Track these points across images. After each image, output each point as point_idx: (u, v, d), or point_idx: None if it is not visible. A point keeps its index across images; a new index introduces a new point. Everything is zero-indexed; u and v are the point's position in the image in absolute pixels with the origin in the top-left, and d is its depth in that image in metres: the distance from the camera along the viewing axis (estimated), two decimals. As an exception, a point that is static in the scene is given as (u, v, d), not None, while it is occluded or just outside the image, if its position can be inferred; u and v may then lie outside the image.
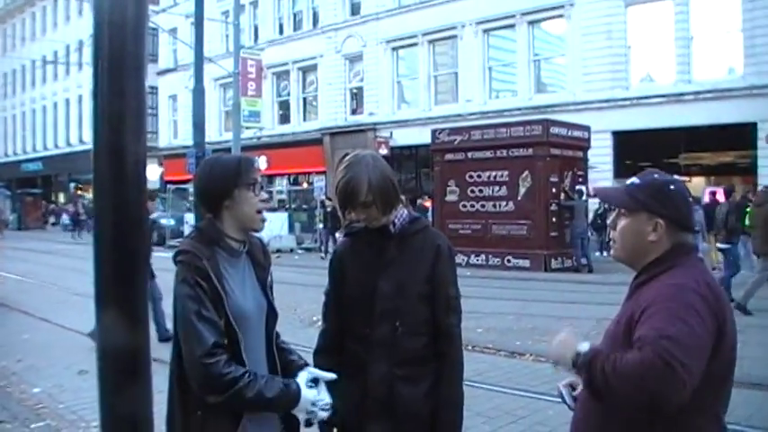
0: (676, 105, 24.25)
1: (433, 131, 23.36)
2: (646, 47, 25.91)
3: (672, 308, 2.14)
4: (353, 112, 35.89)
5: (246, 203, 2.68)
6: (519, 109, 28.00)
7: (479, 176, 21.24)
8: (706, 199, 20.13)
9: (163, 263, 5.89)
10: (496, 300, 13.89)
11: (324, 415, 2.67)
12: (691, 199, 2.44)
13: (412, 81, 33.68)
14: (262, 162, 34.73)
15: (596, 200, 21.85)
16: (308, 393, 2.63)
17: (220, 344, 2.49)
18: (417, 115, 32.17)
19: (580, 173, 21.68)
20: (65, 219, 47.83)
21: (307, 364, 2.85)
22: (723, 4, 23.89)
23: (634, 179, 2.44)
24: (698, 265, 2.37)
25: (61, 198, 58.62)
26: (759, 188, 17.06)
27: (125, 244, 2.46)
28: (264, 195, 2.77)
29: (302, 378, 2.69)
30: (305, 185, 37.63)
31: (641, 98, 25.46)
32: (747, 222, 13.95)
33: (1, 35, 67.84)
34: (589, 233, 22.10)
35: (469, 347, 8.81)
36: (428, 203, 26.14)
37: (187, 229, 27.10)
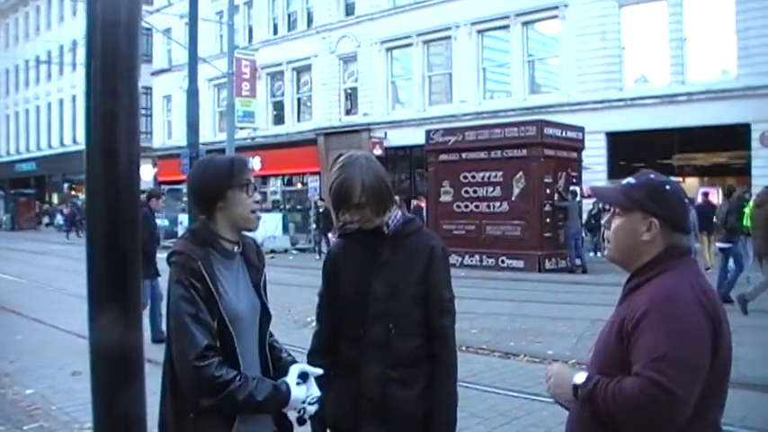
0: (670, 106, 24.29)
1: (428, 132, 23.36)
2: (640, 48, 25.94)
3: (666, 320, 2.13)
4: (348, 112, 35.86)
5: (240, 205, 2.68)
6: (513, 110, 28.00)
7: (473, 177, 21.24)
8: (699, 200, 20.14)
9: (158, 264, 5.88)
10: (490, 300, 13.89)
11: (312, 409, 2.68)
12: (686, 200, 2.43)
13: (406, 81, 33.68)
14: (256, 162, 34.73)
15: (590, 200, 21.95)
16: (298, 393, 2.64)
17: (212, 346, 2.48)
18: (412, 116, 32.17)
19: (574, 173, 21.69)
20: (59, 219, 47.76)
21: (295, 361, 2.85)
22: (717, 5, 23.93)
23: (630, 179, 2.44)
24: (692, 268, 2.36)
25: (55, 198, 58.51)
26: (758, 189, 17.01)
27: (118, 244, 2.45)
28: (258, 196, 2.77)
29: (292, 375, 2.69)
30: (299, 186, 37.60)
31: (635, 99, 25.49)
32: (746, 223, 13.98)
33: (-6, 35, 67.78)
34: (583, 234, 22.13)
35: (463, 348, 8.80)
36: (423, 204, 26.14)
37: (181, 230, 27.09)
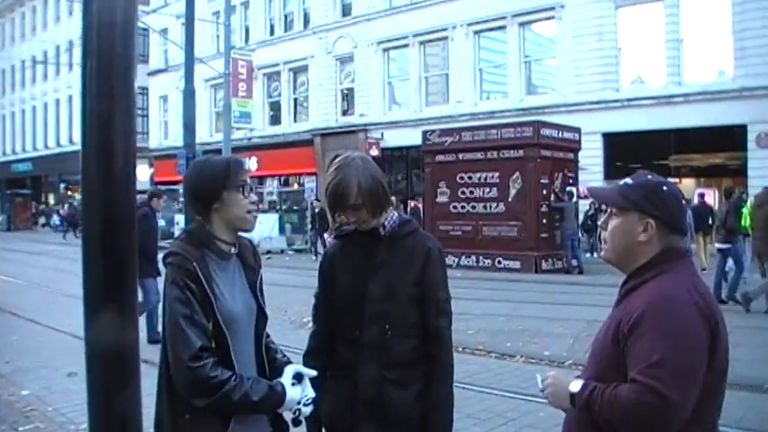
0: (667, 107, 24.33)
1: (424, 133, 23.34)
2: (636, 49, 25.97)
3: (662, 324, 2.14)
4: (344, 113, 35.86)
5: (236, 205, 2.67)
6: (510, 110, 28.02)
7: (470, 178, 21.24)
8: (695, 201, 20.16)
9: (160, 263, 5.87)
10: (487, 301, 13.89)
11: (307, 410, 2.68)
12: (684, 202, 2.41)
13: (403, 82, 33.69)
14: (252, 163, 34.76)
15: (587, 201, 21.97)
16: (293, 393, 2.64)
17: (207, 347, 2.48)
18: (408, 116, 32.17)
19: (570, 174, 21.70)
20: (55, 220, 47.71)
21: (290, 362, 2.85)
22: (713, 6, 23.97)
23: (627, 180, 2.43)
24: (689, 270, 2.35)
25: (51, 199, 58.45)
26: (755, 190, 17.06)
27: (114, 245, 2.44)
28: (254, 197, 2.77)
29: (287, 376, 2.69)
30: (296, 186, 37.60)
31: (632, 100, 25.52)
32: (746, 223, 14.01)
33: (-9, 35, 67.69)
34: (579, 234, 22.16)
35: (460, 349, 8.80)
36: (417, 205, 26.14)
37: (177, 231, 27.04)
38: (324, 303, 3.12)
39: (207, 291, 2.52)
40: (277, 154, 36.40)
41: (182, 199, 27.29)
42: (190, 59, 20.44)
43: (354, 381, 2.93)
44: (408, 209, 26.19)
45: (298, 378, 2.70)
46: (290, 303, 12.48)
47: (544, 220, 20.40)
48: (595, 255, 22.53)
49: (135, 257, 2.57)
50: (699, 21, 24.28)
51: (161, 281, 3.30)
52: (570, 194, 20.81)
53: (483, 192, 21.00)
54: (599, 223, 2.64)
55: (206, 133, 39.12)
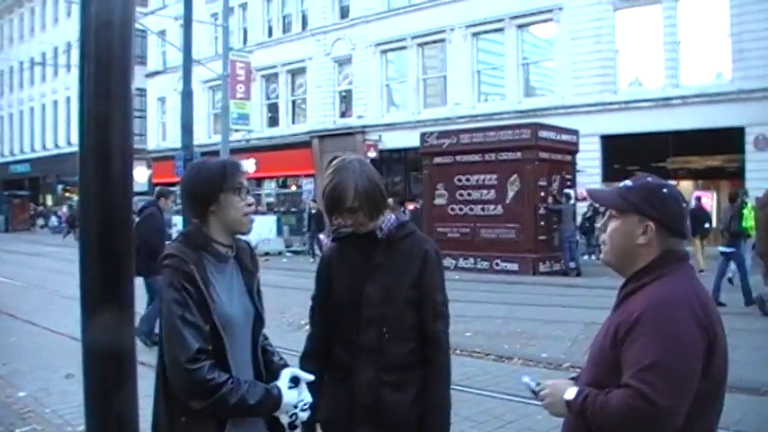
0: (664, 109, 24.35)
1: (422, 135, 23.34)
2: (634, 51, 25.99)
3: (658, 328, 2.13)
4: (342, 114, 35.86)
5: (233, 208, 2.67)
6: (508, 112, 27.99)
7: (468, 180, 21.25)
8: (693, 203, 20.17)
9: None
10: (485, 303, 13.88)
11: (304, 415, 2.68)
12: (684, 204, 2.40)
13: (401, 84, 33.69)
14: (250, 165, 34.73)
15: (584, 203, 21.97)
16: (289, 397, 2.63)
17: (204, 349, 2.47)
18: (406, 118, 32.16)
19: (568, 176, 21.70)
20: (53, 221, 47.67)
21: (287, 365, 2.84)
22: (711, 8, 23.99)
23: (627, 182, 2.42)
24: (688, 274, 2.34)
25: (49, 200, 58.38)
26: (753, 192, 17.07)
27: (111, 246, 2.44)
28: (251, 200, 2.76)
29: (283, 379, 2.69)
30: (294, 188, 37.62)
31: (630, 102, 25.52)
32: (747, 225, 14.04)
33: (-11, 36, 67.63)
34: (577, 237, 22.15)
35: (457, 351, 8.79)
36: (411, 206, 26.12)
37: (175, 232, 27.03)
38: (321, 306, 3.12)
39: (204, 293, 2.52)
40: (275, 156, 36.40)
41: (179, 201, 27.29)
42: (188, 61, 20.44)
43: (351, 383, 2.93)
44: (407, 211, 26.18)
45: (294, 382, 2.70)
46: (288, 305, 12.47)
47: (542, 223, 20.40)
48: (593, 257, 22.54)
49: (132, 259, 2.57)
50: (697, 23, 24.30)
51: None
52: (568, 196, 20.81)
53: (481, 194, 20.99)
54: (597, 225, 2.61)
55: (204, 135, 39.08)
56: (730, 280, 14.63)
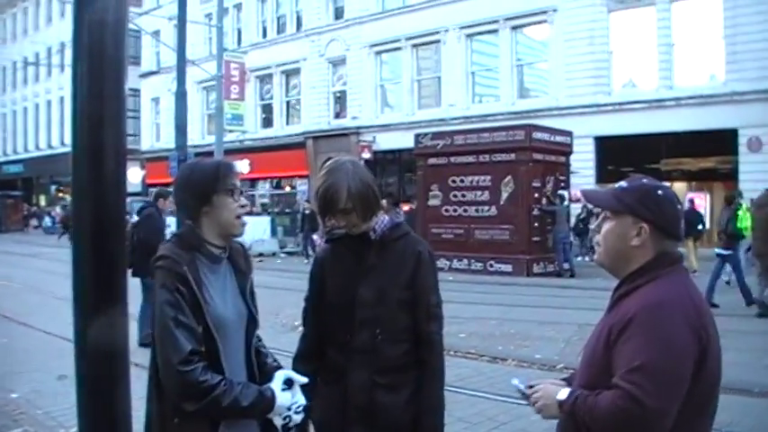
0: (658, 111, 24.40)
1: (416, 136, 23.36)
2: (628, 53, 26.06)
3: (649, 330, 2.12)
4: (337, 115, 35.86)
5: (226, 209, 2.66)
6: (502, 114, 28.01)
7: (462, 181, 21.26)
8: (686, 205, 20.23)
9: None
10: (479, 305, 13.89)
11: (298, 418, 2.67)
12: (679, 206, 2.38)
13: (395, 85, 33.71)
14: (244, 166, 34.71)
15: (578, 205, 21.99)
16: (282, 399, 2.62)
17: (197, 351, 2.46)
18: (400, 119, 32.17)
19: (562, 178, 21.71)
20: (47, 221, 47.55)
21: (280, 367, 2.84)
22: (705, 11, 24.05)
23: (622, 183, 2.41)
24: (683, 277, 2.33)
25: (42, 200, 58.25)
26: (747, 194, 17.12)
27: (104, 246, 2.43)
28: (244, 201, 2.76)
29: (277, 381, 2.68)
30: (288, 189, 37.60)
31: (623, 104, 25.57)
32: (743, 225, 14.07)
33: (-18, 36, 67.43)
34: (571, 238, 22.17)
35: (451, 353, 8.77)
36: (405, 207, 26.12)
37: (169, 233, 26.97)
38: (314, 307, 3.12)
39: (197, 294, 2.51)
40: (269, 156, 36.39)
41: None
42: (182, 61, 20.38)
43: (345, 385, 2.93)
44: (400, 212, 26.16)
45: (288, 384, 2.69)
46: (282, 306, 12.44)
47: (536, 224, 20.42)
48: (587, 258, 22.56)
49: (125, 259, 2.56)
50: (690, 25, 24.38)
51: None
52: (562, 198, 20.83)
53: (475, 195, 21.01)
54: (591, 227, 2.60)
55: (198, 135, 39.05)
56: (728, 282, 14.66)
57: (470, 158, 21.12)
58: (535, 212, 20.36)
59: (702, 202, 22.62)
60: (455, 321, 10.43)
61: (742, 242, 14.74)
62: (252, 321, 2.79)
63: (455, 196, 21.45)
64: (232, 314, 2.67)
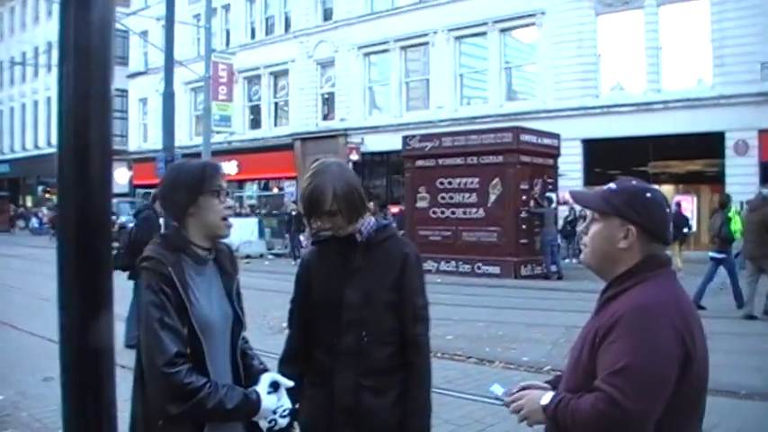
0: (646, 114, 24.51)
1: (404, 138, 23.34)
2: (616, 56, 26.18)
3: (633, 333, 2.11)
4: (325, 117, 35.87)
5: (211, 210, 2.65)
6: (490, 116, 28.08)
7: (450, 183, 21.27)
8: (673, 208, 20.30)
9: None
10: (466, 307, 13.88)
11: (284, 422, 2.66)
12: (668, 209, 2.36)
13: (383, 87, 33.75)
14: (232, 167, 34.64)
15: (566, 207, 22.05)
16: (268, 402, 2.61)
17: (182, 353, 2.45)
18: (389, 121, 32.20)
19: (550, 180, 21.74)
20: (33, 222, 47.34)
21: (266, 369, 2.83)
22: (692, 14, 24.19)
23: (611, 184, 2.39)
24: (670, 280, 2.32)
25: (29, 201, 58.00)
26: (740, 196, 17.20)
27: (90, 247, 2.42)
28: (230, 202, 2.75)
29: (263, 384, 2.67)
30: (275, 191, 37.57)
31: (611, 106, 25.68)
32: (735, 227, 14.12)
33: (-32, 36, 67.07)
34: (559, 240, 22.21)
35: (439, 355, 8.79)
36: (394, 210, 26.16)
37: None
38: (300, 309, 3.11)
39: (182, 296, 2.50)
40: (257, 158, 36.37)
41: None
42: (170, 62, 20.34)
43: (331, 388, 2.92)
44: (388, 215, 26.19)
45: (274, 387, 2.68)
46: (269, 308, 12.41)
47: (524, 226, 20.43)
48: (574, 260, 22.61)
49: (111, 260, 2.54)
50: (678, 29, 24.51)
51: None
52: (550, 200, 20.87)
53: (463, 197, 21.02)
54: (579, 229, 2.58)
55: (186, 136, 38.98)
56: (722, 289, 14.67)
57: (458, 160, 21.14)
58: (523, 215, 20.38)
59: (689, 205, 22.74)
60: (442, 323, 10.44)
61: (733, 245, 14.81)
62: (238, 323, 2.78)
63: (443, 198, 21.46)
64: (217, 316, 2.66)
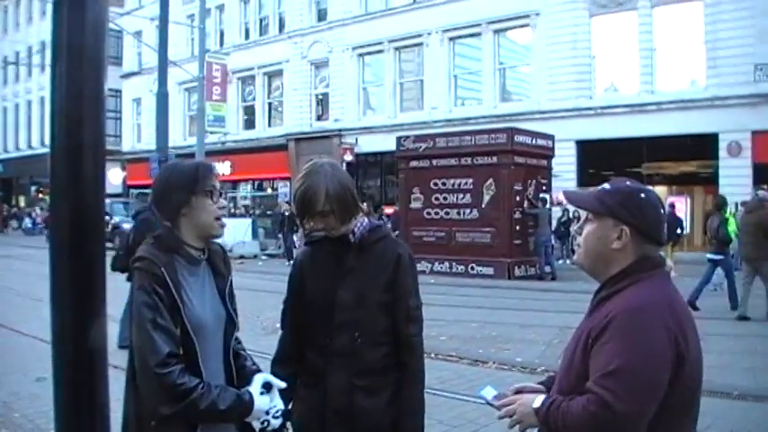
0: (639, 115, 24.54)
1: (399, 138, 23.34)
2: (610, 57, 26.21)
3: (626, 334, 2.11)
4: (319, 117, 35.85)
5: (204, 211, 2.65)
6: (484, 117, 28.10)
7: (444, 184, 21.27)
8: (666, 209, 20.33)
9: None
10: (460, 307, 13.89)
11: (276, 423, 2.65)
12: (662, 210, 2.35)
13: (377, 88, 33.73)
14: (226, 167, 34.60)
15: (560, 208, 22.07)
16: (261, 403, 2.61)
17: (175, 353, 2.45)
18: (383, 122, 32.20)
19: (544, 181, 21.75)
20: (27, 222, 47.24)
21: (259, 370, 2.82)
22: (686, 16, 24.23)
23: (606, 185, 2.38)
24: (664, 281, 2.30)
25: (22, 201, 57.85)
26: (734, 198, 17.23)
27: (83, 247, 2.41)
28: (223, 202, 2.74)
29: (256, 384, 2.67)
30: (269, 191, 37.53)
31: (605, 108, 25.71)
32: (731, 229, 14.15)
33: (-38, 36, 66.89)
34: (552, 241, 22.23)
35: (432, 355, 8.78)
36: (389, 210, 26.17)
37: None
38: (293, 309, 3.11)
39: (175, 296, 2.49)
40: (251, 158, 36.33)
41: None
42: (163, 62, 20.32)
43: (324, 388, 2.92)
44: (383, 216, 26.18)
45: (267, 387, 2.68)
46: (263, 309, 12.40)
47: (517, 227, 20.45)
48: (568, 261, 22.64)
49: (104, 259, 2.54)
50: (672, 30, 24.55)
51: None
52: (544, 201, 20.88)
53: (457, 198, 21.03)
54: (573, 229, 2.55)
55: (180, 137, 38.92)
56: (715, 289, 14.68)
57: (452, 161, 21.15)
58: (517, 215, 20.39)
59: (683, 206, 22.75)
60: (436, 324, 10.43)
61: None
62: (230, 323, 2.77)
63: (437, 199, 21.46)
64: (210, 316, 2.66)
